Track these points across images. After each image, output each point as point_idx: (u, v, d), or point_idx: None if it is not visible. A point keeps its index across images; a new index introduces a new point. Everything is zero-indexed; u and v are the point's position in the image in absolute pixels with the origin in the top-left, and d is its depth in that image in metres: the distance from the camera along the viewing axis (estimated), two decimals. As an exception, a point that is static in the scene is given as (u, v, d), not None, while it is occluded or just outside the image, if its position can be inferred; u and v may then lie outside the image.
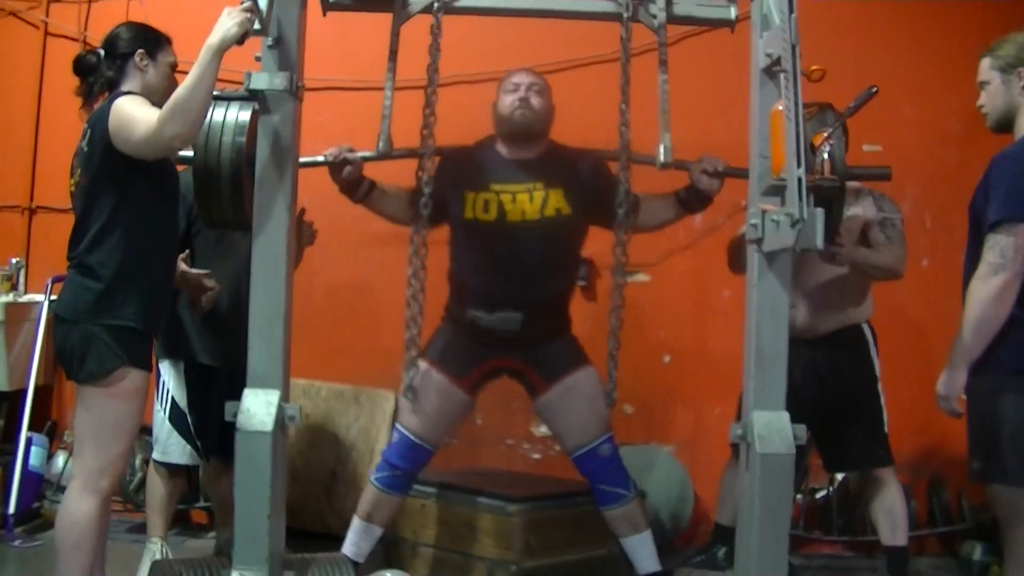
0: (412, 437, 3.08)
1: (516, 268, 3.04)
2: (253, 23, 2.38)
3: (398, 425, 3.15)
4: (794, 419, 2.48)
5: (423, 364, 3.03)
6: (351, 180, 3.00)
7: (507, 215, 3.02)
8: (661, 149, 2.65)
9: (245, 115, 2.57)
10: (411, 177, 2.92)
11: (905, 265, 3.27)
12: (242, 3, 2.37)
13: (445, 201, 3.03)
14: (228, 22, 2.36)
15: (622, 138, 2.77)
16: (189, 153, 2.60)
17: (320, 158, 2.94)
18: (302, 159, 2.69)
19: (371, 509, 3.11)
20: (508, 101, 3.09)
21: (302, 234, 3.21)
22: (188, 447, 3.39)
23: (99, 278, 2.51)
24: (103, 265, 2.51)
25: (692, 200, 3.02)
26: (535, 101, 3.08)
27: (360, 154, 2.96)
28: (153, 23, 2.80)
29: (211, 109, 2.55)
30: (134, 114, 2.44)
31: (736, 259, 3.28)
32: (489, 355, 3.12)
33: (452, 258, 3.19)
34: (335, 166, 2.95)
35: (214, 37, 2.36)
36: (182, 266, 3.07)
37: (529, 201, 3.02)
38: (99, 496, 2.51)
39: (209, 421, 3.36)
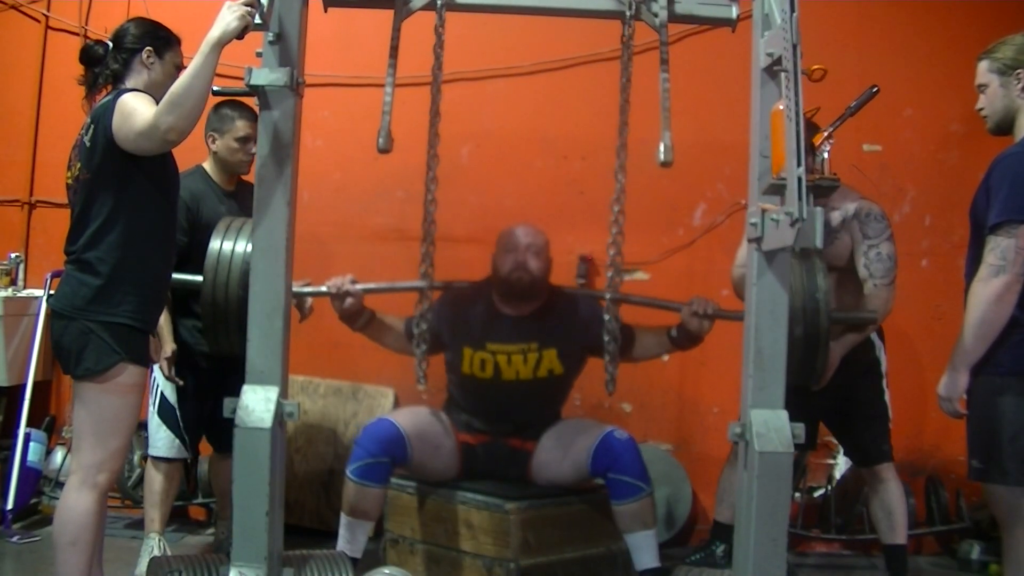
0: (395, 423, 3.09)
1: (509, 413, 3.23)
2: (254, 17, 2.37)
3: (388, 416, 3.17)
4: (796, 417, 2.48)
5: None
6: (352, 311, 3.06)
7: (502, 374, 3.17)
8: (661, 148, 2.64)
9: None
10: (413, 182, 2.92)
11: (891, 302, 3.21)
12: (243, -2, 2.37)
13: (442, 341, 3.19)
14: (228, 16, 2.35)
15: (621, 137, 2.77)
16: (198, 278, 2.62)
17: (323, 288, 3.02)
18: (305, 288, 2.80)
19: (353, 504, 3.09)
20: (506, 263, 3.15)
21: (302, 308, 3.21)
22: (176, 440, 3.39)
23: (98, 274, 2.50)
24: (102, 262, 2.51)
25: (683, 340, 3.09)
26: (532, 264, 3.15)
27: (361, 286, 3.04)
28: (154, 17, 2.80)
29: (221, 239, 2.56)
30: (137, 108, 2.44)
31: (739, 288, 3.28)
32: (483, 433, 3.27)
33: (450, 380, 3.34)
34: (336, 296, 3.02)
35: (214, 31, 2.35)
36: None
37: (523, 363, 3.16)
38: (97, 491, 2.51)
39: (197, 415, 3.38)
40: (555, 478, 3.22)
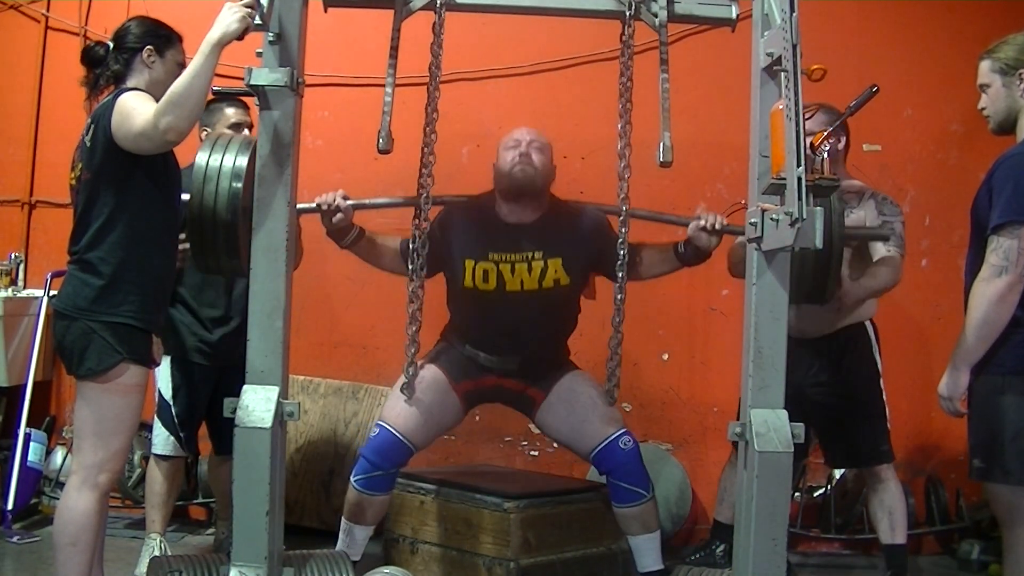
0: (395, 433, 3.03)
1: (515, 328, 3.11)
2: (254, 18, 2.38)
3: (380, 421, 3.11)
4: (794, 417, 2.48)
5: (423, 364, 3.02)
6: (341, 226, 2.98)
7: (506, 285, 3.06)
8: (661, 148, 2.65)
9: (243, 160, 2.54)
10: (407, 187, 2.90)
11: (901, 271, 3.25)
12: (243, -2, 2.37)
13: (442, 257, 3.09)
14: (229, 17, 2.36)
15: (623, 137, 2.77)
16: (186, 196, 2.60)
17: (313, 204, 2.93)
18: (299, 205, 2.69)
19: (355, 510, 3.06)
20: (508, 157, 3.10)
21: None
22: (171, 438, 3.39)
23: (100, 275, 2.51)
24: (104, 262, 2.51)
25: (689, 255, 3.02)
26: (536, 157, 3.09)
27: (351, 202, 2.96)
28: (154, 17, 2.80)
29: (209, 153, 2.53)
30: (136, 108, 2.44)
31: (737, 265, 3.28)
32: (488, 374, 3.16)
33: (451, 304, 3.24)
34: (326, 212, 2.94)
35: (214, 32, 2.36)
36: None
37: (528, 272, 3.06)
38: (98, 491, 2.51)
39: (192, 412, 3.39)
40: (556, 438, 3.22)
